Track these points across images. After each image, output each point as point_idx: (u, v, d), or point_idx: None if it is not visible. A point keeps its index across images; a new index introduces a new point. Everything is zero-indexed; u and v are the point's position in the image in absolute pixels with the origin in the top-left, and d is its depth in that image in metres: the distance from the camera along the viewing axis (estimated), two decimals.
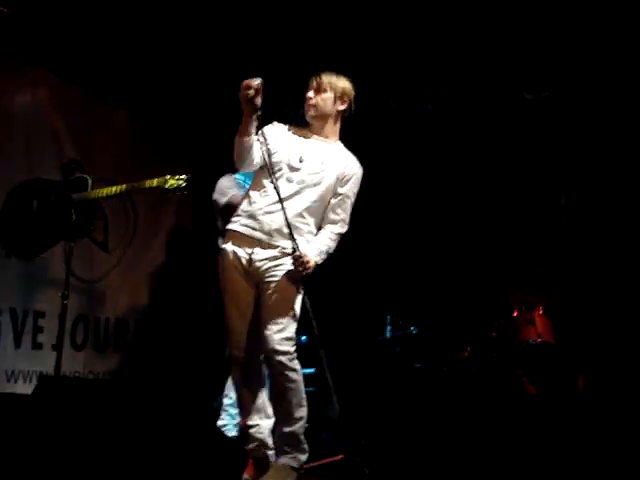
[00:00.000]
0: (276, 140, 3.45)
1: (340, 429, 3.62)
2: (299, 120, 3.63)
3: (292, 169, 3.48)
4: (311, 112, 3.58)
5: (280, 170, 3.43)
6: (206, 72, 5.68)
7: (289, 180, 3.45)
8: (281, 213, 3.33)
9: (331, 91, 3.56)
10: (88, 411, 3.55)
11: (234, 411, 4.11)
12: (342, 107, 3.60)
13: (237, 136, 3.37)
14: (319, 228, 3.54)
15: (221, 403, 4.25)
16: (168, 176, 4.25)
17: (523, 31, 5.18)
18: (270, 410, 3.48)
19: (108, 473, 3.30)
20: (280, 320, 3.36)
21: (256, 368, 3.46)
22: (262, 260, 3.41)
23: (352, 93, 3.61)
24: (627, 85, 5.33)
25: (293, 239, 3.28)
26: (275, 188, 3.31)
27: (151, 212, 5.92)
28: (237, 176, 4.27)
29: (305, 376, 3.48)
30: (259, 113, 3.28)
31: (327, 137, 3.61)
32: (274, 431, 3.47)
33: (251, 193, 3.52)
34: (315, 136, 3.60)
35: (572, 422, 4.12)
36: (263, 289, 3.42)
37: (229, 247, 3.46)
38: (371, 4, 5.01)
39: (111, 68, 5.44)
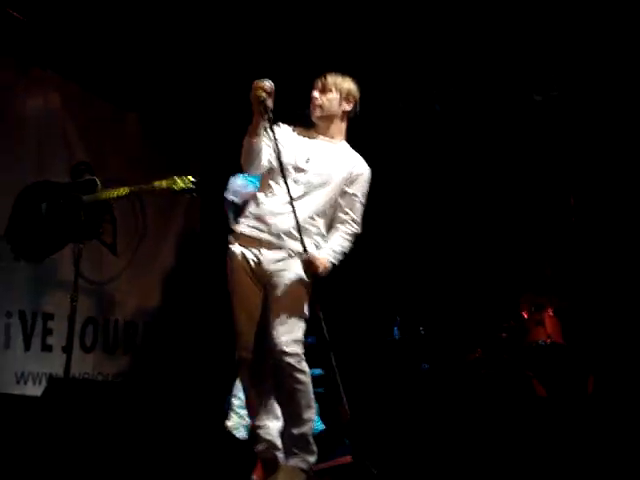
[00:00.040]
0: (282, 141, 3.44)
1: (349, 431, 3.61)
2: (305, 121, 3.62)
3: (298, 170, 3.47)
4: (317, 112, 3.58)
5: (286, 171, 3.42)
6: (215, 74, 5.70)
7: (296, 181, 3.44)
8: (289, 215, 3.31)
9: (336, 91, 3.56)
10: (97, 413, 3.57)
11: (243, 412, 4.11)
12: (348, 107, 3.59)
13: (247, 137, 3.37)
14: (329, 229, 3.54)
15: (230, 404, 4.25)
16: (177, 178, 4.26)
17: (532, 31, 5.17)
18: (279, 411, 3.47)
19: (117, 474, 3.31)
20: (288, 322, 3.35)
21: (264, 369, 3.45)
22: (270, 262, 3.41)
23: (357, 93, 3.61)
24: (636, 85, 5.31)
25: (302, 241, 3.27)
26: (287, 187, 3.29)
27: (160, 214, 5.93)
28: (248, 176, 4.26)
29: (314, 377, 3.48)
30: (270, 115, 3.28)
31: (333, 137, 3.60)
32: (283, 433, 3.46)
33: (258, 195, 3.52)
34: (321, 137, 3.60)
35: (582, 424, 4.10)
36: (271, 291, 3.41)
37: (237, 249, 3.46)
38: (379, 6, 5.00)
39: (121, 71, 5.46)
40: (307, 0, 4.95)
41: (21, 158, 4.98)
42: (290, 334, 3.33)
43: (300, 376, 3.33)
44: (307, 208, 3.43)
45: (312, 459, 3.41)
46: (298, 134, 3.61)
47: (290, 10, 5.03)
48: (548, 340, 5.11)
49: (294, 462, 3.38)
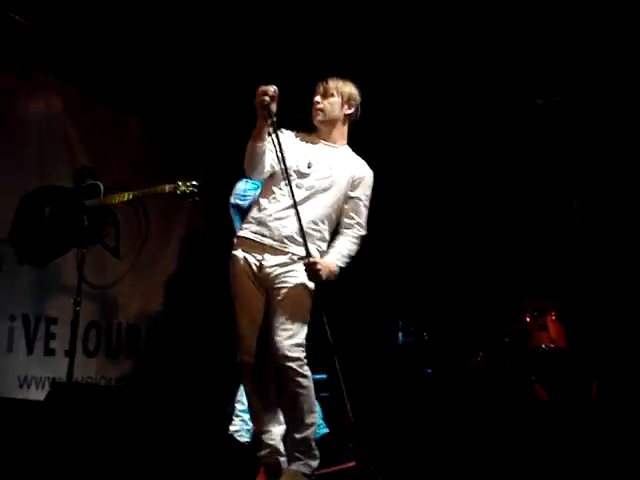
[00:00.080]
0: (284, 146, 3.44)
1: (353, 435, 3.61)
2: (307, 125, 3.63)
3: (301, 175, 3.48)
4: (319, 117, 3.59)
5: (289, 177, 3.42)
6: (217, 78, 5.70)
7: (298, 186, 3.44)
8: (292, 219, 3.33)
9: (338, 95, 3.57)
10: (100, 417, 3.56)
11: (246, 416, 4.11)
12: (349, 111, 3.60)
13: (250, 141, 3.37)
14: (332, 234, 3.54)
15: (233, 409, 4.26)
16: (180, 182, 4.27)
17: (534, 36, 5.17)
18: (282, 416, 3.47)
19: (121, 478, 3.31)
20: (290, 326, 3.35)
21: (267, 374, 3.45)
22: (272, 266, 3.41)
23: (358, 97, 3.62)
24: (639, 90, 5.31)
25: (306, 246, 3.27)
26: (290, 191, 3.29)
27: (163, 218, 5.94)
28: (253, 181, 4.26)
29: (317, 382, 3.48)
30: (274, 119, 3.28)
31: (335, 142, 3.61)
32: (286, 437, 3.46)
33: (260, 200, 3.53)
34: (323, 141, 3.61)
35: (585, 428, 4.09)
36: (273, 295, 3.42)
37: (239, 253, 3.47)
38: (382, 11, 5.01)
39: (123, 75, 5.47)
40: (309, 5, 4.95)
41: (23, 162, 4.98)
42: (292, 338, 3.33)
43: (302, 380, 3.33)
44: (310, 213, 3.43)
45: (315, 463, 3.41)
46: (300, 139, 3.62)
47: (292, 15, 5.04)
48: (551, 345, 5.10)
49: (297, 467, 3.38)
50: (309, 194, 3.47)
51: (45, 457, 3.27)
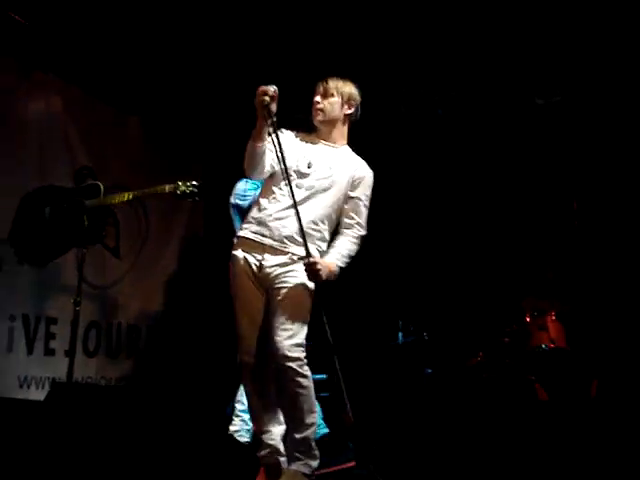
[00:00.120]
0: (284, 146, 3.44)
1: (353, 435, 3.61)
2: (307, 125, 3.63)
3: (301, 175, 3.48)
4: (319, 117, 3.59)
5: (285, 178, 3.42)
6: (217, 78, 5.70)
7: (298, 186, 3.44)
8: (292, 219, 3.33)
9: (338, 95, 3.57)
10: (100, 417, 3.56)
11: (246, 416, 4.11)
12: (349, 111, 3.61)
13: (250, 141, 3.37)
14: (332, 234, 3.54)
15: (233, 409, 4.26)
16: (180, 182, 4.27)
17: (534, 36, 5.17)
18: (282, 416, 3.47)
19: (120, 478, 3.31)
20: (290, 326, 3.35)
21: (267, 374, 3.45)
22: (272, 266, 3.41)
23: (358, 97, 3.62)
24: (639, 90, 5.31)
25: (306, 246, 3.27)
26: (290, 190, 3.29)
27: (163, 218, 5.94)
28: (253, 181, 4.26)
29: (318, 382, 3.48)
30: (274, 119, 3.28)
31: (335, 141, 3.61)
32: (286, 437, 3.46)
33: (260, 200, 3.53)
34: (323, 141, 3.61)
35: (585, 428, 4.09)
36: (273, 295, 3.42)
37: (239, 253, 3.47)
38: (382, 11, 5.01)
39: (122, 75, 5.47)
40: (308, 5, 4.95)
41: (23, 162, 4.98)
42: (292, 338, 3.33)
43: (302, 380, 3.33)
44: (310, 213, 3.43)
45: (315, 463, 3.41)
46: (300, 139, 3.62)
47: (292, 15, 5.04)
48: (551, 345, 5.10)
49: (297, 467, 3.38)
50: (309, 194, 3.47)
51: (45, 457, 3.27)
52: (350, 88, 3.61)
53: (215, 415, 4.55)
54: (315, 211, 3.46)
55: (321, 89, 3.59)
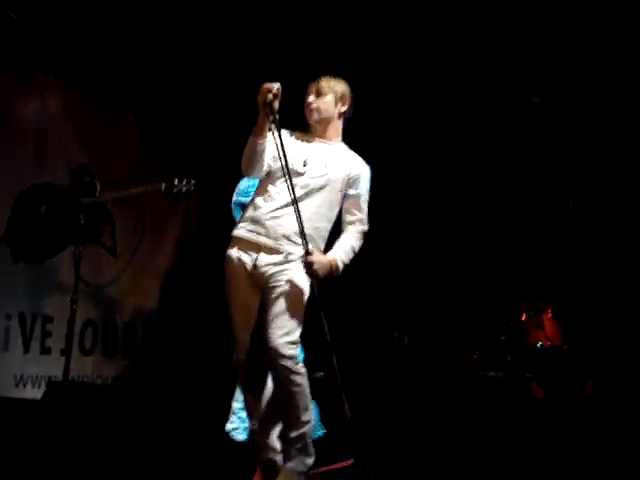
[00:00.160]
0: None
1: (350, 434, 3.61)
2: (302, 125, 3.63)
3: (296, 174, 3.47)
4: (314, 116, 3.58)
5: (284, 175, 3.41)
6: (214, 77, 5.70)
7: (294, 185, 3.44)
8: (288, 218, 3.33)
9: (331, 94, 3.57)
10: (97, 416, 3.57)
11: (243, 414, 4.11)
12: (343, 108, 3.60)
13: (251, 137, 3.36)
14: (331, 233, 3.54)
15: (230, 407, 4.25)
16: (175, 180, 4.26)
17: (530, 34, 5.17)
18: (278, 414, 3.47)
19: (117, 477, 3.31)
20: (285, 324, 3.34)
21: (262, 372, 3.45)
22: (267, 265, 3.41)
23: (351, 94, 3.62)
24: (635, 88, 5.32)
25: (304, 244, 3.27)
26: (291, 188, 3.28)
27: (158, 217, 5.94)
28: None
29: (315, 380, 3.48)
30: (276, 117, 3.28)
31: (330, 139, 3.60)
32: (281, 435, 3.46)
33: (256, 198, 3.52)
34: (318, 139, 3.60)
35: (580, 426, 4.11)
36: (268, 294, 3.41)
37: (234, 253, 3.46)
38: (379, 10, 5.00)
39: (119, 73, 5.47)
40: (308, 5, 4.94)
41: (23, 162, 4.98)
42: (287, 337, 3.32)
43: (297, 378, 3.33)
44: (306, 211, 3.42)
45: (310, 461, 3.40)
46: (296, 138, 3.61)
47: (289, 16, 5.03)
48: (547, 343, 5.12)
49: (293, 464, 3.38)
50: (305, 192, 3.46)
51: (42, 456, 3.27)
52: (343, 86, 3.61)
53: (212, 413, 4.55)
54: (311, 209, 3.45)
55: (314, 89, 3.59)
